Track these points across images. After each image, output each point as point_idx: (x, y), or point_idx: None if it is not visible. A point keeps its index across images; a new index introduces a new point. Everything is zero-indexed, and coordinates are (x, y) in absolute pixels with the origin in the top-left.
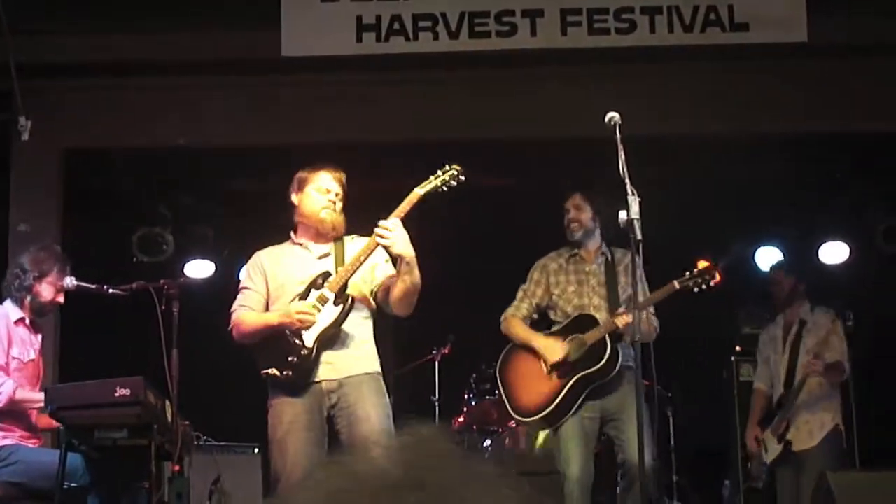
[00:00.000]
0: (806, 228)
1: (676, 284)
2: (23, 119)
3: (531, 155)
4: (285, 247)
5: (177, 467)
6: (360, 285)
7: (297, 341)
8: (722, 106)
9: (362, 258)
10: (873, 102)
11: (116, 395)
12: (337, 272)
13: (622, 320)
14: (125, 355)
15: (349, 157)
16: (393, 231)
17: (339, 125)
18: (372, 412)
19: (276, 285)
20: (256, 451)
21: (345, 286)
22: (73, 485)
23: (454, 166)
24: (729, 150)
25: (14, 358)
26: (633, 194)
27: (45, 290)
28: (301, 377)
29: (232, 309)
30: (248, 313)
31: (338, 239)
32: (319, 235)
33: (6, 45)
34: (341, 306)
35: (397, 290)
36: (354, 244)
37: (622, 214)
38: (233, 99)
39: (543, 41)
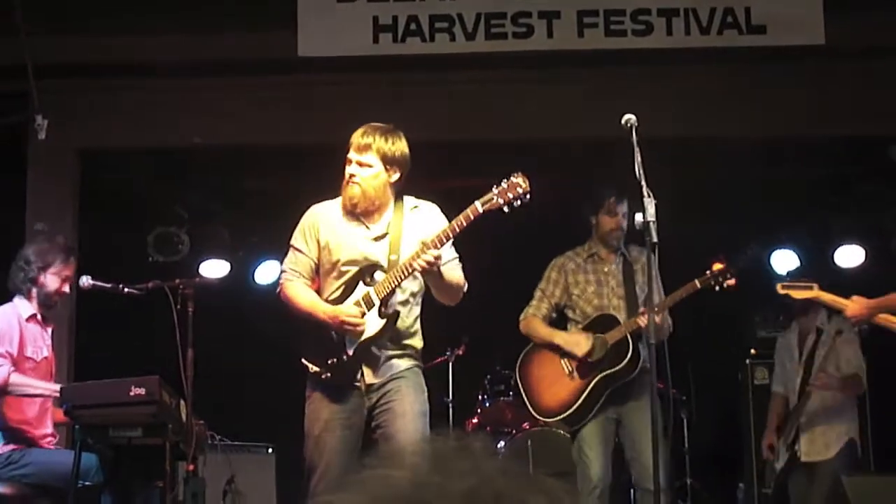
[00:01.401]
0: (822, 231)
1: (698, 283)
2: (39, 118)
3: (546, 155)
4: (342, 210)
5: (191, 467)
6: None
7: (340, 342)
8: (737, 108)
9: (407, 273)
10: (890, 105)
11: (131, 394)
12: (387, 269)
13: (644, 320)
14: (140, 354)
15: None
16: (437, 262)
17: (356, 125)
18: (409, 409)
19: (326, 255)
20: (270, 451)
21: (392, 293)
22: (87, 483)
23: (521, 179)
24: (745, 153)
25: (28, 357)
26: (648, 196)
27: (51, 281)
28: (341, 379)
29: (282, 268)
30: (299, 291)
31: (396, 214)
32: (359, 212)
33: (23, 46)
34: (385, 321)
35: (434, 290)
36: (414, 224)
37: (638, 217)
38: (249, 99)
39: (560, 43)
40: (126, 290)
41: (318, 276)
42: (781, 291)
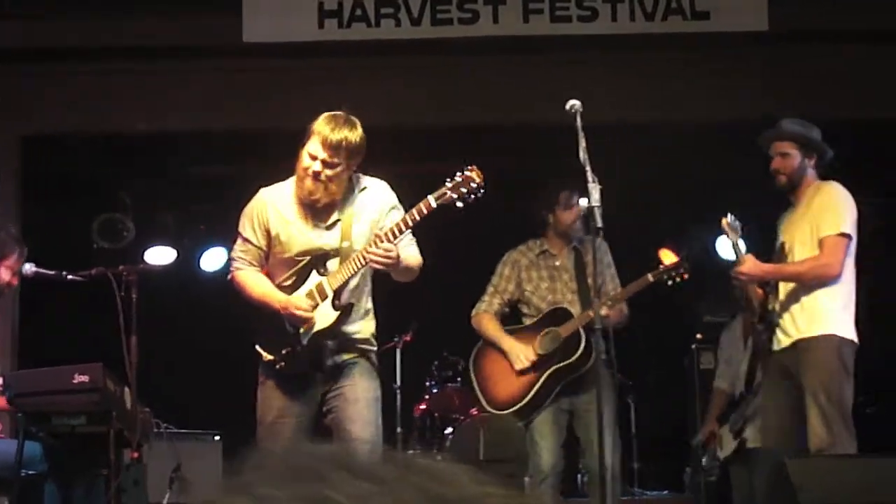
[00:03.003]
0: (768, 217)
1: (650, 277)
2: None
3: (493, 140)
4: (291, 197)
5: (135, 454)
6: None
7: (293, 332)
8: (684, 94)
9: (361, 265)
10: (834, 90)
11: (75, 381)
12: (340, 257)
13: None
14: (84, 342)
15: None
16: (390, 262)
17: (301, 111)
18: (361, 395)
19: (277, 244)
20: (217, 438)
21: (345, 285)
22: (30, 472)
23: (474, 172)
24: (690, 139)
25: None
26: (593, 182)
27: (3, 273)
28: (294, 368)
29: (232, 256)
30: (250, 278)
31: (346, 198)
32: (316, 207)
33: None
34: (339, 313)
35: (392, 275)
36: (364, 206)
37: (583, 202)
38: (195, 85)
39: (505, 29)
40: (69, 277)
41: (267, 262)
42: (724, 223)
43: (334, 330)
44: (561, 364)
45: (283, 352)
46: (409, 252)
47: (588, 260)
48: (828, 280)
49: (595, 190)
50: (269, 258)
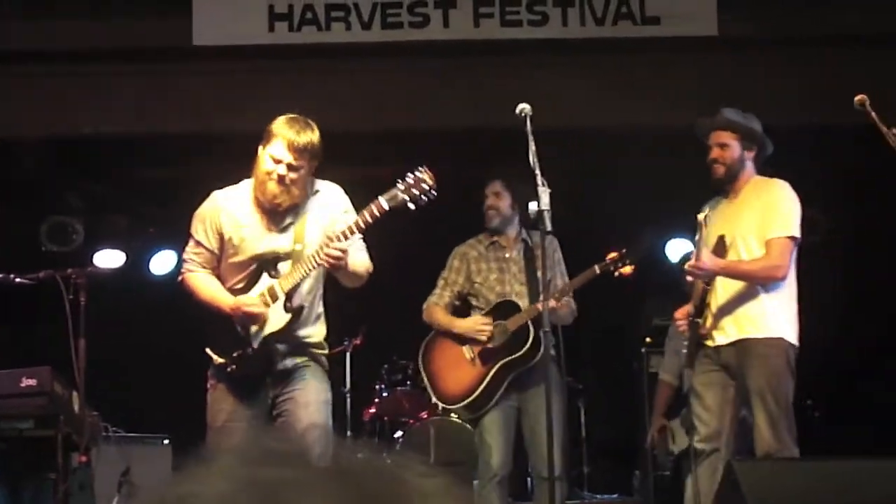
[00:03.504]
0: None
1: (597, 269)
2: None
3: (444, 144)
4: (245, 201)
5: (83, 458)
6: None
7: (244, 335)
8: (634, 98)
9: (313, 267)
10: (782, 94)
11: (22, 385)
12: (292, 260)
13: (553, 304)
14: (32, 345)
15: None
16: (341, 263)
17: (251, 114)
18: (312, 398)
19: (230, 247)
20: (166, 442)
21: (296, 287)
22: None
23: (426, 174)
24: (641, 142)
25: None
26: (543, 185)
27: None
28: (246, 371)
29: (183, 257)
30: (200, 280)
31: (300, 205)
32: (272, 209)
33: None
34: (291, 315)
35: (341, 279)
36: (317, 208)
37: (532, 206)
38: (145, 87)
39: (456, 32)
40: (17, 280)
41: (219, 265)
42: (700, 218)
43: (286, 333)
44: (510, 357)
45: (234, 354)
46: (360, 257)
47: (538, 253)
48: (775, 282)
49: (545, 194)
50: (221, 262)
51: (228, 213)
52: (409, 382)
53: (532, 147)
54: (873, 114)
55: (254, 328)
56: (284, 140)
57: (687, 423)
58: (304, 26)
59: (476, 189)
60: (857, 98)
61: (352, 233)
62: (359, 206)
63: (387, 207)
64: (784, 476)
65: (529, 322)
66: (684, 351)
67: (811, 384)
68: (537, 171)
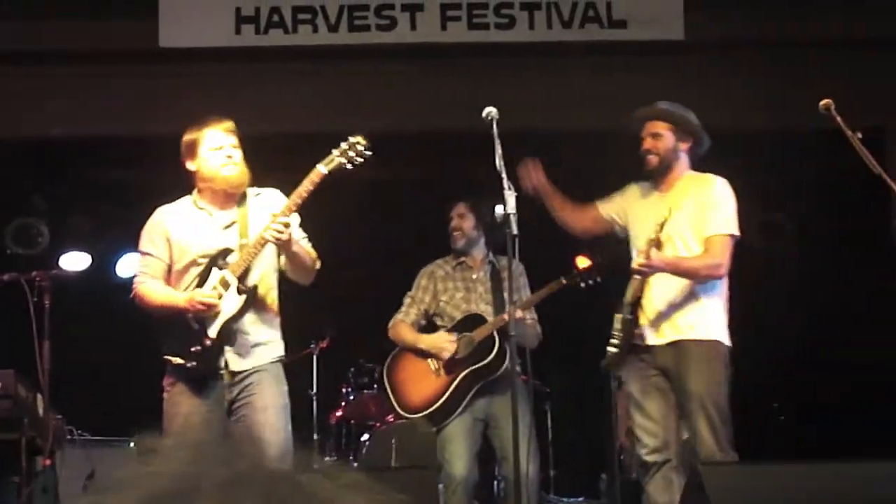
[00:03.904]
0: None
1: (564, 280)
2: None
3: (412, 149)
4: (188, 208)
5: (48, 461)
6: (266, 263)
7: (201, 328)
8: (599, 102)
9: (259, 247)
10: (749, 99)
11: None
12: (239, 252)
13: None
14: None
15: None
16: (287, 230)
17: (219, 116)
18: (270, 402)
19: (178, 253)
20: (132, 444)
21: (247, 271)
22: None
23: (359, 138)
24: (608, 146)
25: None
26: (509, 189)
27: None
28: (205, 367)
29: (134, 274)
30: (151, 288)
31: (241, 202)
32: (227, 197)
33: None
34: (244, 297)
35: (287, 268)
36: (259, 209)
37: (498, 209)
38: (112, 89)
39: (423, 35)
40: None
41: (170, 276)
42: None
43: (241, 317)
44: (475, 366)
45: (193, 349)
46: (305, 245)
47: (504, 276)
48: (715, 279)
49: (511, 197)
50: (171, 270)
51: (173, 219)
52: (375, 386)
53: (499, 150)
54: (838, 118)
55: (210, 320)
56: (215, 128)
57: None
58: (270, 29)
59: (441, 192)
60: (821, 102)
61: (296, 205)
62: (319, 210)
63: (325, 172)
64: (750, 479)
65: (495, 332)
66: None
67: (777, 387)
68: (504, 175)
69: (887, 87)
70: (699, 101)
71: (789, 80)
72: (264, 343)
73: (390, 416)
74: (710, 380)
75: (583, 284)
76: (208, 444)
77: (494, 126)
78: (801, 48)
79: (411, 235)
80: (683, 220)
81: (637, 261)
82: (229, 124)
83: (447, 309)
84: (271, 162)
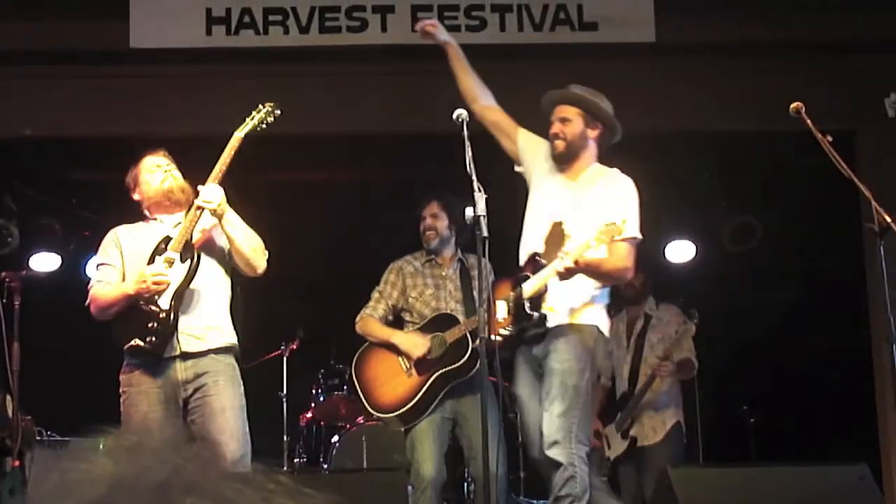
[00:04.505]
0: (653, 226)
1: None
2: None
3: (382, 151)
4: (141, 223)
5: (16, 462)
6: (212, 242)
7: (154, 307)
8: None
9: (195, 219)
10: (720, 102)
11: None
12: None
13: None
14: None
15: (197, 149)
16: (214, 198)
17: (188, 118)
18: (227, 404)
19: (130, 258)
20: (101, 446)
21: (188, 243)
22: None
23: (268, 103)
24: None
25: None
26: (479, 191)
27: None
28: (163, 345)
29: (89, 286)
30: (101, 288)
31: (188, 208)
32: (172, 205)
33: None
34: (189, 261)
35: (236, 256)
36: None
37: (468, 211)
38: (81, 90)
39: (394, 37)
40: None
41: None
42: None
43: (189, 285)
44: (447, 368)
45: (149, 326)
46: (246, 230)
47: (474, 274)
48: (622, 282)
49: (481, 199)
50: (124, 278)
51: (125, 231)
52: (345, 387)
53: (469, 152)
54: (808, 121)
55: (160, 297)
56: (150, 156)
57: (623, 426)
58: (241, 30)
59: (410, 193)
60: (792, 105)
61: (221, 172)
62: (284, 211)
63: (241, 136)
64: (719, 482)
65: (468, 334)
66: (620, 354)
67: (748, 390)
68: (474, 177)
69: (857, 90)
70: (670, 103)
71: (760, 82)
72: (216, 327)
73: (360, 417)
74: (577, 359)
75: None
76: (137, 449)
77: (465, 128)
78: (771, 51)
79: (381, 236)
80: (589, 216)
81: (564, 264)
82: (162, 152)
83: (416, 305)
84: (241, 163)
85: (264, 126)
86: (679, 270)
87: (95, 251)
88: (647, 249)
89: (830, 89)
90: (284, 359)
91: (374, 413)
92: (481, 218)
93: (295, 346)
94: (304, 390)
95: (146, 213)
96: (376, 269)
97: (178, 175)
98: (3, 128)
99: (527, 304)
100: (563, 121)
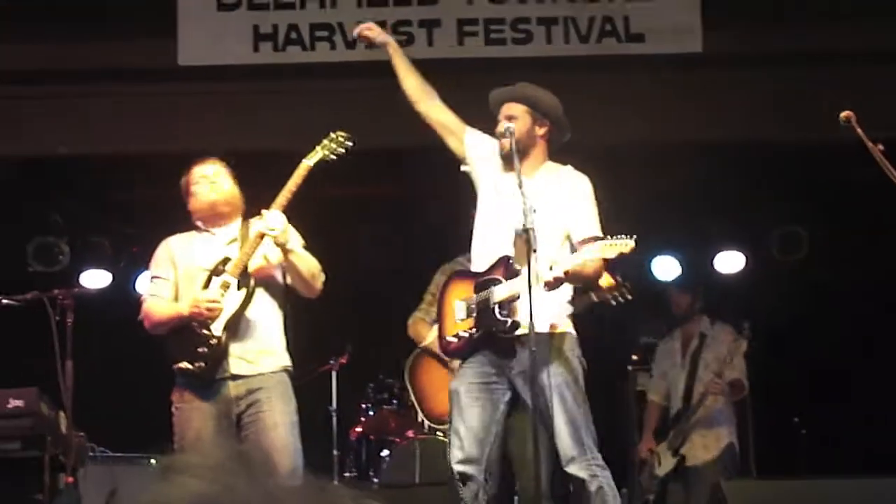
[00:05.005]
0: (702, 238)
1: (594, 297)
2: None
3: (431, 163)
4: (193, 234)
5: (70, 479)
6: (269, 268)
7: (206, 331)
8: (618, 116)
9: (255, 244)
10: (769, 112)
11: (9, 406)
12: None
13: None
14: (18, 366)
15: (244, 165)
16: (277, 226)
17: (236, 134)
18: (279, 420)
19: (184, 272)
20: (153, 461)
21: (245, 269)
22: None
23: (340, 132)
24: (625, 159)
25: None
26: (527, 203)
27: None
28: (213, 369)
29: (142, 298)
30: (157, 303)
31: (244, 223)
32: (220, 217)
33: None
34: (245, 290)
35: (292, 278)
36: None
37: (518, 224)
38: (130, 107)
39: (440, 51)
40: (5, 301)
41: (178, 297)
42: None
43: (244, 313)
44: None
45: (200, 350)
46: (306, 254)
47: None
48: None
49: (530, 213)
50: (177, 292)
51: (177, 243)
52: (395, 401)
53: (517, 165)
54: (859, 130)
55: (214, 322)
56: (198, 165)
57: (675, 444)
58: (288, 46)
59: (453, 205)
60: (842, 115)
61: (287, 200)
62: (332, 225)
63: (310, 164)
64: (773, 495)
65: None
66: (674, 373)
67: (798, 402)
68: (522, 190)
69: None
70: (718, 113)
71: (810, 91)
72: (269, 351)
73: (410, 431)
74: (569, 369)
75: (613, 302)
76: (228, 462)
77: (513, 142)
78: (820, 60)
79: (430, 251)
80: (548, 215)
81: (555, 274)
82: (212, 161)
83: None
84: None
85: (335, 157)
86: (728, 282)
87: (145, 267)
88: (696, 261)
89: (881, 97)
90: (334, 373)
91: (431, 423)
92: (531, 231)
93: (344, 360)
94: (354, 404)
95: (198, 224)
96: (426, 283)
97: (225, 184)
98: (52, 145)
99: (497, 309)
100: (510, 118)
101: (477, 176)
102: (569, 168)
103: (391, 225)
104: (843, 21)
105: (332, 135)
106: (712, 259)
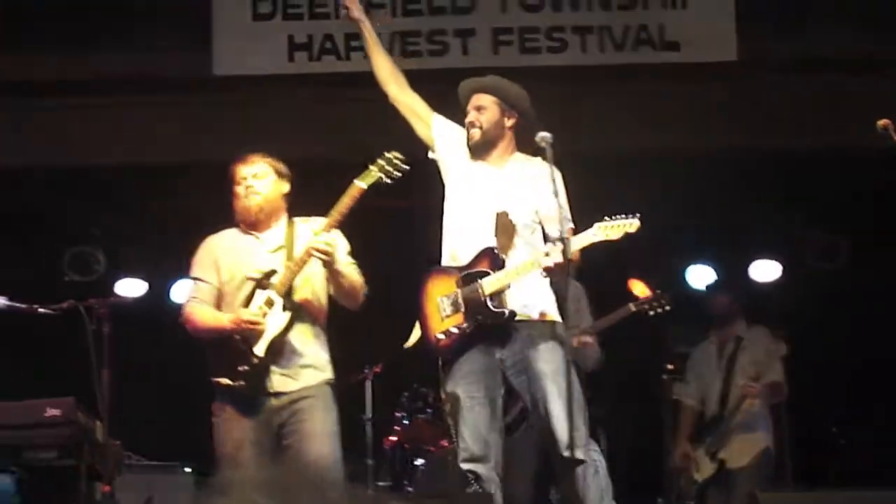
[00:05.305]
0: (737, 246)
1: (632, 307)
2: None
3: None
4: (237, 235)
5: (107, 488)
6: (313, 284)
7: (247, 349)
8: (653, 124)
9: (302, 263)
10: (805, 120)
11: (47, 415)
12: (284, 270)
13: (577, 341)
14: (55, 375)
15: None
16: (332, 248)
17: (271, 143)
18: (319, 429)
19: (227, 276)
20: (188, 470)
21: (291, 289)
22: None
23: (395, 153)
24: (660, 168)
25: None
26: (562, 208)
27: None
28: (253, 387)
29: (184, 300)
30: (199, 309)
31: (289, 229)
32: (259, 223)
33: None
34: (289, 313)
35: (335, 292)
36: (306, 233)
37: (554, 231)
38: (163, 117)
39: (475, 60)
40: (41, 310)
41: (221, 300)
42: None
43: (287, 334)
44: None
45: (240, 369)
46: (352, 270)
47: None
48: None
49: (567, 223)
50: (222, 295)
51: (222, 244)
52: (429, 410)
53: (556, 175)
54: None
55: (256, 339)
56: (238, 165)
57: (713, 448)
58: (323, 55)
59: None
60: (880, 123)
61: (337, 221)
62: (366, 235)
63: (364, 186)
64: None
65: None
66: (709, 377)
67: (837, 412)
68: (557, 198)
69: None
70: (753, 121)
71: (846, 99)
72: (312, 365)
73: (444, 440)
74: (562, 362)
75: (651, 312)
76: (284, 476)
77: (549, 151)
78: (856, 67)
79: None
80: (525, 206)
81: (554, 259)
82: (254, 157)
83: None
84: (326, 186)
85: (389, 180)
86: (764, 290)
87: (181, 276)
88: (732, 269)
89: None
90: (368, 382)
91: None
92: (566, 240)
93: (378, 370)
94: (388, 413)
95: (241, 224)
96: None
97: (264, 187)
98: (86, 155)
99: (489, 301)
100: (479, 109)
101: (445, 164)
102: (539, 160)
103: (427, 233)
104: (876, 26)
105: (388, 155)
106: (747, 267)
